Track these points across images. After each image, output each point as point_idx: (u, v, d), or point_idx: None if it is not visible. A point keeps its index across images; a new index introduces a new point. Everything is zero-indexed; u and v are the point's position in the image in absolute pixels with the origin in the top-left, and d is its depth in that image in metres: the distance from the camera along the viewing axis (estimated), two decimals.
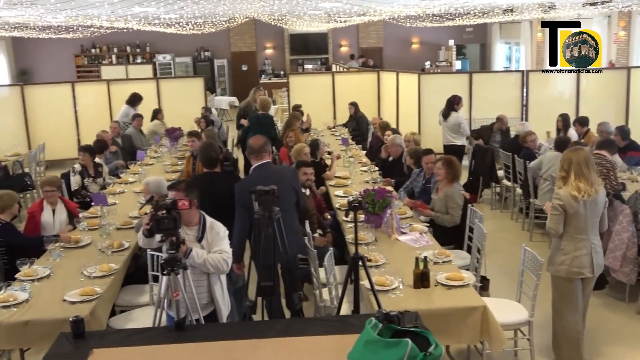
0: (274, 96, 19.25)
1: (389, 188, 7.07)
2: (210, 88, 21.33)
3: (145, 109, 12.26)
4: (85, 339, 3.59)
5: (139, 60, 23.60)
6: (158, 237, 4.14)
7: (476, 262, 5.65)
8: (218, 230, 4.48)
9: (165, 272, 3.89)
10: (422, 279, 4.60)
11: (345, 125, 12.70)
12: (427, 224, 6.20)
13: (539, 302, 4.91)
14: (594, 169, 4.93)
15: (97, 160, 8.59)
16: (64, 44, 21.74)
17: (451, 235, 6.27)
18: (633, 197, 6.32)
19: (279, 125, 12.24)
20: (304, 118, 11.48)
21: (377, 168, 8.64)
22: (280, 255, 4.53)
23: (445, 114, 10.42)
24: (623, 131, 8.71)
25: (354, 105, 12.60)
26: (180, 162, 9.53)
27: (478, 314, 4.35)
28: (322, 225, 6.64)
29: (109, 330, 4.58)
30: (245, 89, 15.27)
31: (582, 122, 9.83)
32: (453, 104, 10.39)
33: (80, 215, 6.65)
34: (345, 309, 4.69)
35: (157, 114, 12.33)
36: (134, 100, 12.20)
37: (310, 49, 24.45)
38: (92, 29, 18.58)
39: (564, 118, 9.98)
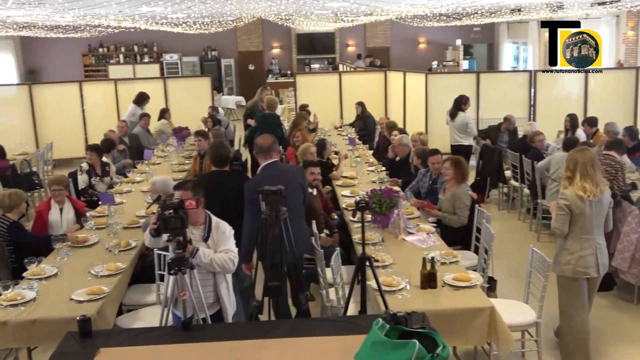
0: (280, 96, 19.26)
1: (396, 188, 7.05)
2: (217, 87, 21.36)
3: (153, 108, 12.29)
4: (93, 338, 3.59)
5: (146, 59, 23.66)
6: (165, 236, 4.14)
7: (483, 263, 5.63)
8: (224, 230, 4.48)
9: (172, 272, 3.89)
10: (429, 280, 4.59)
11: (352, 125, 12.69)
12: (434, 225, 6.18)
13: (546, 303, 4.89)
14: (600, 169, 4.94)
15: (104, 159, 8.60)
16: (72, 43, 21.81)
17: (458, 235, 6.25)
18: None
19: (286, 125, 12.24)
20: (311, 118, 11.47)
21: (384, 168, 8.63)
22: (287, 255, 4.53)
23: (453, 114, 10.40)
24: (631, 131, 8.66)
25: (361, 105, 12.59)
26: (187, 162, 9.54)
27: (485, 315, 4.33)
28: (329, 225, 6.64)
29: (116, 330, 4.59)
30: (252, 89, 15.28)
31: (591, 122, 9.78)
32: (460, 104, 10.36)
33: (88, 214, 6.66)
34: (352, 309, 4.68)
35: (164, 114, 12.35)
36: (141, 99, 12.22)
37: (317, 48, 24.45)
38: (99, 29, 18.63)
39: (571, 118, 9.93)
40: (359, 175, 8.26)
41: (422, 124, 12.57)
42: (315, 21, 20.29)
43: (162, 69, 22.97)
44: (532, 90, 12.73)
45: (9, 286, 4.57)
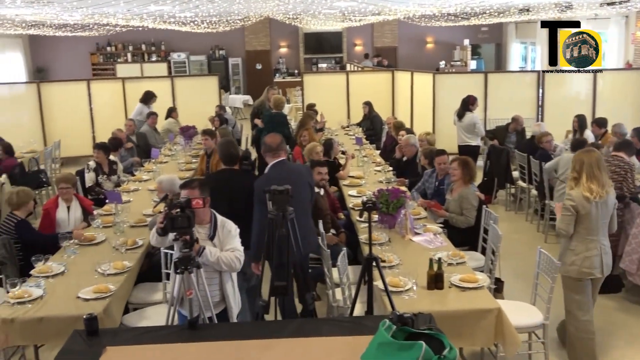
0: (288, 95, 19.25)
1: (403, 188, 7.04)
2: (224, 86, 21.39)
3: (160, 107, 12.31)
4: (99, 337, 3.60)
5: (154, 58, 23.72)
6: (171, 236, 4.15)
7: (490, 264, 5.61)
8: (230, 229, 4.48)
9: (178, 271, 3.89)
10: (436, 281, 4.57)
11: (359, 124, 12.68)
12: (442, 225, 6.16)
13: (554, 304, 4.87)
14: (605, 171, 4.97)
15: (111, 157, 8.63)
16: (80, 42, 21.89)
17: (465, 236, 6.23)
18: None
19: (293, 124, 12.24)
20: (318, 117, 11.47)
21: (391, 168, 8.61)
22: (293, 255, 4.52)
23: (460, 114, 10.37)
24: None
25: (368, 104, 12.58)
26: (194, 161, 9.55)
27: (492, 317, 4.31)
28: (336, 225, 6.63)
29: (122, 328, 4.60)
30: (260, 88, 15.29)
31: (600, 123, 9.72)
32: (468, 104, 10.33)
33: (95, 212, 6.68)
34: (359, 310, 4.67)
35: (171, 112, 12.38)
36: (147, 98, 12.25)
37: (324, 48, 24.44)
38: (107, 27, 18.69)
39: (580, 119, 9.88)
40: (365, 175, 8.25)
41: (429, 124, 12.54)
42: (323, 20, 20.28)
43: (169, 67, 23.02)
44: (540, 90, 12.69)
45: (17, 284, 4.58)
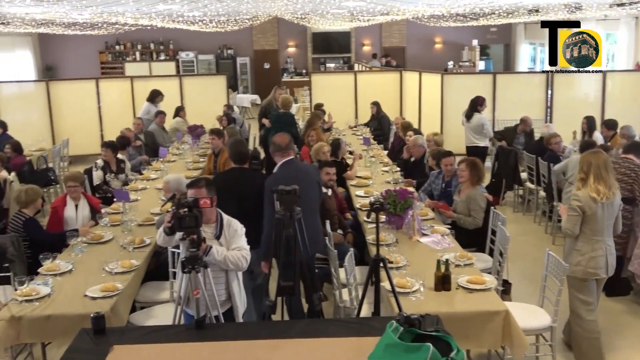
0: (295, 95, 19.26)
1: (411, 189, 7.01)
2: (232, 86, 21.41)
3: (168, 106, 12.34)
4: (106, 335, 3.61)
5: (162, 57, 23.77)
6: (178, 236, 4.16)
7: (498, 266, 5.59)
8: (236, 228, 4.48)
9: (186, 270, 3.89)
10: (443, 282, 4.56)
11: (367, 124, 12.67)
12: (449, 226, 6.14)
13: (561, 307, 4.85)
14: (612, 172, 5.02)
15: (119, 156, 8.65)
16: (89, 40, 21.95)
17: (473, 237, 6.21)
18: None
19: (300, 124, 12.24)
20: (326, 117, 11.46)
21: (398, 168, 8.59)
22: (300, 255, 4.52)
23: (469, 115, 10.34)
24: None
25: (376, 104, 12.56)
26: (202, 160, 9.56)
27: (500, 319, 4.29)
28: (343, 225, 6.63)
29: (129, 327, 4.60)
30: (268, 87, 15.29)
31: (609, 125, 9.65)
32: (476, 104, 10.30)
33: (103, 211, 6.69)
34: (365, 310, 4.67)
35: (179, 112, 12.40)
36: (154, 96, 12.31)
37: (332, 47, 24.42)
38: (116, 26, 18.74)
39: (589, 120, 9.82)
40: (373, 176, 8.23)
41: (437, 125, 12.51)
42: (331, 20, 20.27)
43: (178, 66, 23.05)
44: (549, 91, 12.63)
45: (25, 281, 4.60)
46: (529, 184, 9.42)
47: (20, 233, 5.89)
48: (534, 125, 10.81)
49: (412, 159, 8.68)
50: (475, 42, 22.84)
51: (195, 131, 11.05)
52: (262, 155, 10.75)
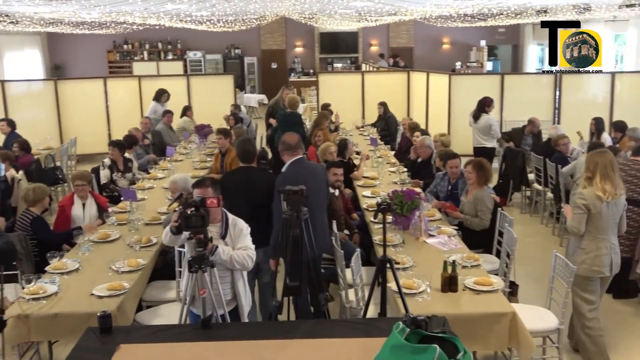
0: (303, 95, 19.26)
1: (417, 190, 7.00)
2: (239, 85, 21.43)
3: (175, 105, 12.37)
4: (112, 334, 3.62)
5: (170, 56, 23.81)
6: (184, 235, 4.16)
7: (505, 267, 5.57)
8: (241, 227, 4.49)
9: (192, 270, 3.90)
10: (450, 283, 4.55)
11: (374, 125, 12.65)
12: (456, 227, 6.12)
13: (569, 309, 4.83)
14: (619, 172, 5.08)
15: (127, 155, 8.67)
16: (97, 39, 22.02)
17: (480, 238, 6.19)
18: None
19: (307, 124, 12.23)
20: (333, 117, 11.45)
21: (405, 169, 8.57)
22: (307, 255, 4.52)
23: (476, 116, 10.31)
24: None
25: (383, 105, 12.54)
26: (209, 159, 9.57)
27: (507, 320, 4.28)
28: (349, 225, 6.62)
29: (135, 326, 4.61)
30: (275, 87, 15.31)
31: (618, 126, 9.59)
32: (484, 105, 10.27)
33: (110, 209, 6.71)
34: (372, 311, 4.66)
35: (186, 111, 12.43)
36: (159, 95, 12.36)
37: (340, 47, 24.41)
38: (124, 25, 18.80)
39: (597, 122, 9.77)
40: (380, 176, 8.22)
41: (444, 125, 12.48)
42: (339, 20, 20.26)
43: (185, 66, 23.10)
44: (557, 92, 12.58)
45: (32, 280, 4.62)
46: (536, 185, 9.38)
47: (28, 231, 5.91)
48: (541, 126, 10.76)
49: (419, 160, 8.66)
50: (483, 43, 22.78)
51: (203, 130, 11.07)
52: (269, 155, 10.76)
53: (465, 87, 12.49)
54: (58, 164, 10.57)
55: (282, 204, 4.68)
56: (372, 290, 4.48)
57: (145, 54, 23.96)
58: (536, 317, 4.81)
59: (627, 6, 13.34)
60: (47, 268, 5.04)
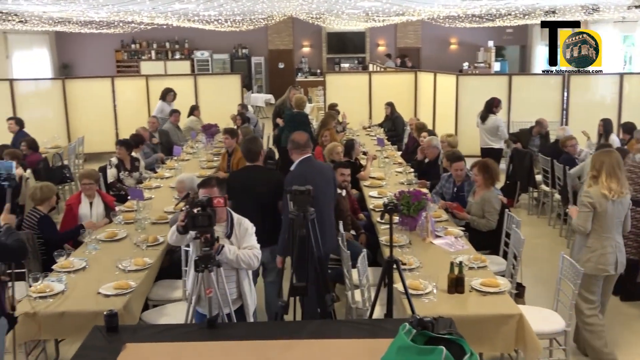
0: (310, 95, 19.26)
1: (424, 190, 6.98)
2: (246, 85, 21.45)
3: (182, 105, 12.39)
4: (119, 333, 3.62)
5: (177, 56, 23.86)
6: (190, 235, 4.17)
7: (512, 269, 5.55)
8: (247, 227, 4.49)
9: (199, 270, 3.90)
10: (456, 284, 4.53)
11: (381, 125, 12.63)
12: (463, 228, 6.10)
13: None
14: (624, 172, 5.12)
15: (134, 154, 8.69)
16: (105, 39, 22.09)
17: (487, 240, 6.17)
18: None
19: (314, 124, 12.23)
20: (340, 117, 11.44)
21: (412, 169, 8.56)
22: (313, 256, 4.52)
23: (484, 117, 10.28)
24: None
25: (390, 105, 12.52)
26: (215, 159, 9.58)
27: (513, 322, 4.26)
28: (356, 226, 6.62)
29: (142, 325, 4.62)
30: (282, 87, 15.31)
31: (627, 128, 9.53)
32: (492, 106, 10.23)
33: (117, 208, 6.73)
34: (378, 312, 4.65)
35: (193, 110, 12.45)
36: (165, 94, 12.40)
37: (347, 47, 24.40)
38: (132, 25, 18.85)
39: (605, 123, 9.72)
40: (387, 176, 8.21)
41: (451, 126, 12.45)
42: (346, 20, 20.25)
43: (192, 65, 23.13)
44: (565, 93, 12.53)
45: (39, 278, 4.63)
46: (543, 187, 9.34)
47: (35, 230, 5.93)
48: (549, 127, 10.72)
49: (426, 160, 8.64)
50: (491, 43, 22.72)
51: (210, 130, 11.08)
52: (276, 155, 10.76)
53: (473, 88, 12.46)
54: (65, 162, 10.60)
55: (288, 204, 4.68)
56: (378, 291, 4.48)
57: (153, 53, 24.01)
58: (543, 319, 4.79)
59: (637, 7, 13.26)
60: (54, 266, 5.06)
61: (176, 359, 3.43)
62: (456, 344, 2.84)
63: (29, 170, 8.49)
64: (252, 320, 4.58)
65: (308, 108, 14.14)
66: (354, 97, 13.87)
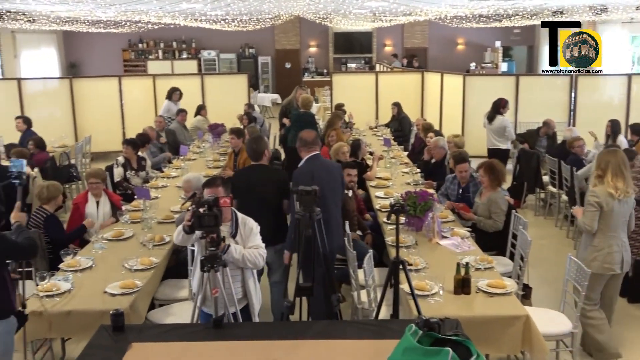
0: (316, 94, 19.27)
1: (431, 191, 6.97)
2: (253, 85, 21.47)
3: (189, 104, 12.40)
4: (125, 333, 3.63)
5: (184, 55, 23.89)
6: (196, 235, 4.17)
7: (519, 270, 5.53)
8: (251, 226, 4.50)
9: (205, 269, 3.90)
10: (463, 285, 4.52)
11: (387, 125, 12.61)
12: (470, 229, 6.09)
13: None
14: (629, 171, 5.15)
15: (140, 154, 8.71)
16: (112, 38, 22.16)
17: (494, 241, 6.15)
18: None
19: (321, 124, 12.23)
20: (346, 117, 11.43)
21: (418, 170, 8.54)
22: (320, 256, 4.51)
23: (491, 117, 10.25)
24: None
25: (397, 105, 12.50)
26: (222, 158, 9.59)
27: (520, 324, 4.24)
28: (362, 226, 6.61)
29: (148, 325, 4.62)
30: (289, 87, 15.31)
31: (635, 129, 9.49)
32: (499, 107, 10.20)
33: (123, 208, 6.74)
34: (384, 312, 4.64)
35: (200, 110, 12.46)
36: (171, 93, 12.45)
37: (354, 47, 24.39)
38: (139, 24, 18.89)
39: (613, 124, 9.67)
40: (393, 177, 8.20)
41: (458, 126, 12.42)
42: (353, 20, 20.23)
43: (199, 65, 23.16)
44: (573, 94, 12.48)
45: (46, 277, 4.64)
46: (550, 188, 9.31)
47: (41, 229, 5.94)
48: (556, 128, 10.68)
49: (433, 161, 8.62)
50: (498, 44, 22.65)
51: (216, 130, 11.09)
52: (283, 155, 10.76)
53: (480, 88, 12.42)
54: (73, 161, 10.64)
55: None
56: (384, 292, 4.47)
57: (160, 52, 24.06)
58: (550, 320, 4.77)
59: None
60: (60, 265, 5.07)
61: (182, 358, 3.43)
62: (462, 345, 2.84)
63: (36, 169, 8.52)
64: (257, 319, 4.58)
65: (314, 108, 14.12)
66: (360, 97, 13.85)
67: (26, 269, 5.17)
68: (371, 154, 9.15)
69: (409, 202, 5.81)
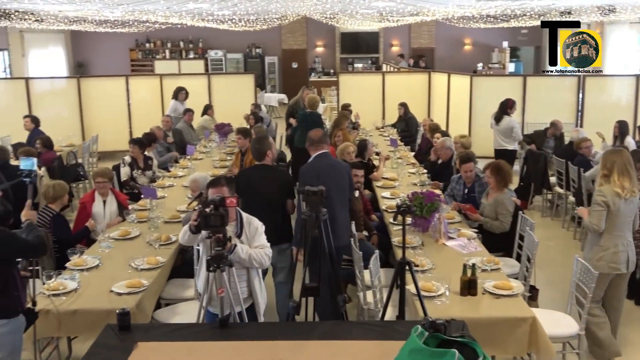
0: (323, 94, 19.25)
1: (437, 191, 6.95)
2: (260, 85, 21.48)
3: (196, 104, 12.42)
4: (131, 332, 3.64)
5: (191, 55, 23.92)
6: (203, 234, 4.17)
7: (525, 271, 5.51)
8: (256, 226, 4.50)
9: (211, 269, 3.90)
10: (469, 287, 4.50)
11: (394, 125, 12.60)
12: (476, 230, 6.07)
13: None
14: (634, 171, 5.15)
15: (147, 153, 8.73)
16: (120, 38, 22.20)
17: (500, 242, 6.12)
18: None
19: (327, 124, 12.22)
20: (352, 117, 11.42)
21: (425, 170, 8.52)
22: (326, 255, 4.51)
23: (498, 118, 10.22)
24: None
25: (403, 105, 12.48)
26: (229, 158, 9.60)
27: (526, 325, 4.23)
28: (368, 226, 6.60)
29: (154, 324, 4.63)
30: (295, 87, 15.32)
31: None
32: (506, 107, 10.17)
33: (130, 207, 6.76)
34: (390, 313, 4.63)
35: (207, 110, 12.49)
36: (177, 93, 12.48)
37: (361, 48, 24.36)
38: (147, 24, 18.94)
39: (621, 125, 9.63)
40: (399, 177, 8.18)
41: (465, 127, 12.40)
42: (360, 20, 20.22)
43: (206, 65, 23.19)
44: (580, 95, 12.43)
45: (52, 276, 4.66)
46: (558, 189, 9.27)
47: (47, 228, 5.96)
48: (564, 129, 10.64)
49: (440, 161, 8.60)
50: (505, 44, 22.59)
51: (223, 129, 11.11)
52: (289, 156, 10.76)
53: (487, 89, 12.40)
54: (80, 161, 10.68)
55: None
56: (390, 293, 4.46)
57: (167, 52, 24.10)
58: (556, 322, 4.75)
59: None
60: (67, 264, 5.09)
61: (188, 358, 3.43)
62: (469, 347, 2.82)
63: (43, 168, 8.56)
64: (262, 318, 4.58)
65: (321, 108, 14.12)
66: (367, 98, 13.84)
67: (33, 268, 5.21)
68: (378, 154, 9.13)
69: (416, 202, 5.80)
